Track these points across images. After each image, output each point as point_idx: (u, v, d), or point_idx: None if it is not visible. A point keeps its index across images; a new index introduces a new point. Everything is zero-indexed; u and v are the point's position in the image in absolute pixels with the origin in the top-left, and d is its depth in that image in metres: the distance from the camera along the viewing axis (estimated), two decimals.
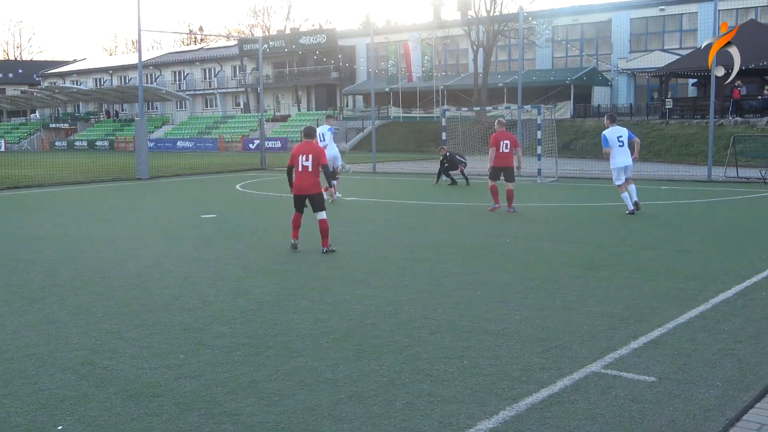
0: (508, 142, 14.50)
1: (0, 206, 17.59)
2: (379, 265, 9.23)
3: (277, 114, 62.38)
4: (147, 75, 71.28)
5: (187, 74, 71.48)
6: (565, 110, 44.07)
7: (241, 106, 67.52)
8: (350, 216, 14.37)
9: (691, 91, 42.56)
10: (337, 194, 16.43)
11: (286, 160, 10.58)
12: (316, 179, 10.13)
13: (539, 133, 22.32)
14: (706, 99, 28.62)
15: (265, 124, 36.56)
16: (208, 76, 70.51)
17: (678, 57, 39.79)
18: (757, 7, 42.30)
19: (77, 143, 65.25)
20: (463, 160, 21.62)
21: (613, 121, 14.13)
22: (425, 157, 36.21)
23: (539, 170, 22.22)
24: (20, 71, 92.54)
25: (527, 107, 25.98)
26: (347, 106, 60.23)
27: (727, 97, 33.56)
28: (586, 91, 46.99)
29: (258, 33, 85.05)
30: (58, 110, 76.65)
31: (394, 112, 52.58)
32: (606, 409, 4.45)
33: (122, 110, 73.67)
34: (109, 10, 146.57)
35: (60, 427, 4.32)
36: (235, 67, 67.46)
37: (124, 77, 76.91)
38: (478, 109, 38.54)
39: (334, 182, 15.75)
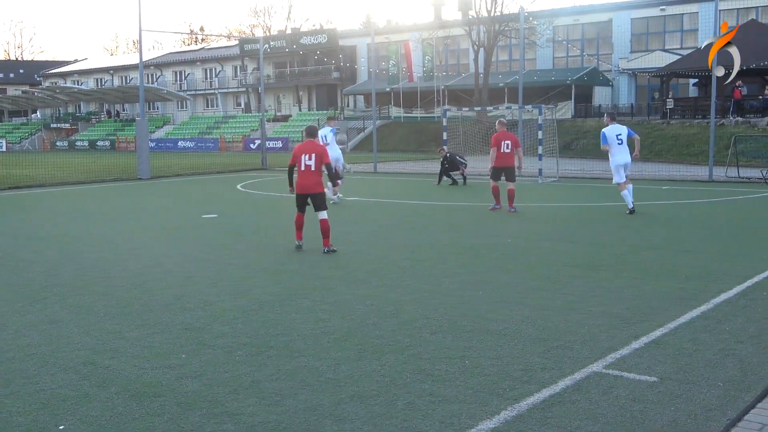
0: (509, 142, 14.51)
1: (1, 206, 17.60)
2: (380, 265, 9.23)
3: (278, 114, 62.40)
4: (148, 75, 71.25)
5: (188, 74, 71.48)
6: (566, 110, 44.06)
7: (242, 106, 67.53)
8: (351, 216, 14.38)
9: (692, 91, 42.54)
10: (339, 195, 16.43)
11: (288, 160, 10.59)
12: (318, 178, 10.13)
13: (540, 133, 22.31)
14: (707, 99, 28.61)
15: (266, 124, 36.58)
16: (209, 76, 70.52)
17: (679, 57, 39.78)
18: (758, 7, 42.28)
19: (78, 143, 65.29)
20: (463, 161, 21.64)
21: (613, 119, 14.15)
22: (426, 157, 36.20)
23: (540, 170, 22.22)
24: (21, 71, 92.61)
25: (528, 107, 25.97)
26: (348, 106, 60.23)
27: (728, 97, 33.55)
28: (587, 91, 46.98)
29: (259, 33, 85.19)
30: (59, 110, 76.69)
31: (395, 112, 52.59)
32: (607, 409, 4.45)
33: (123, 110, 73.69)
34: (110, 10, 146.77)
35: (61, 427, 4.32)
36: (236, 67, 67.47)
37: (125, 77, 76.91)
38: (479, 109, 38.56)
39: (339, 181, 15.76)
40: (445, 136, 23.83)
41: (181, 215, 15.45)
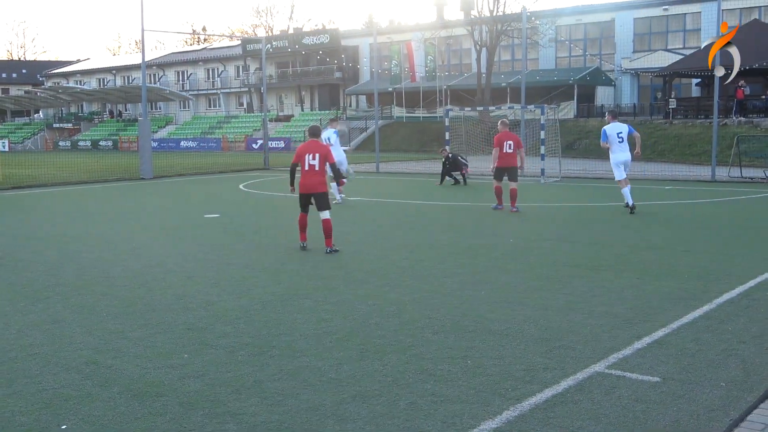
0: (511, 142, 14.51)
1: (3, 206, 17.62)
2: (382, 265, 9.23)
3: (281, 114, 62.45)
4: (150, 75, 71.34)
5: (191, 74, 71.55)
6: (568, 110, 44.04)
7: (245, 105, 67.58)
8: (353, 216, 14.38)
9: (695, 91, 42.49)
10: (342, 195, 16.42)
11: (290, 160, 10.59)
12: (322, 178, 10.14)
13: (543, 133, 22.29)
14: (710, 99, 28.54)
15: (268, 124, 36.58)
16: (211, 76, 70.58)
17: (681, 57, 39.73)
18: (760, 6, 42.23)
19: (81, 143, 65.38)
20: (464, 161, 21.64)
21: (614, 116, 14.18)
22: (428, 157, 36.19)
23: (542, 170, 22.20)
24: (24, 71, 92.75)
25: (530, 107, 25.97)
26: (350, 106, 60.27)
27: (730, 97, 33.50)
28: (589, 90, 46.95)
29: (261, 33, 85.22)
30: (61, 110, 76.81)
31: (397, 112, 52.62)
32: (610, 410, 4.45)
33: (126, 110, 73.76)
34: (113, 10, 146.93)
35: (64, 427, 4.33)
36: (238, 67, 67.51)
37: (128, 77, 77.01)
38: (481, 109, 38.54)
39: (345, 180, 15.76)
40: (447, 136, 23.81)
41: (183, 215, 15.46)
